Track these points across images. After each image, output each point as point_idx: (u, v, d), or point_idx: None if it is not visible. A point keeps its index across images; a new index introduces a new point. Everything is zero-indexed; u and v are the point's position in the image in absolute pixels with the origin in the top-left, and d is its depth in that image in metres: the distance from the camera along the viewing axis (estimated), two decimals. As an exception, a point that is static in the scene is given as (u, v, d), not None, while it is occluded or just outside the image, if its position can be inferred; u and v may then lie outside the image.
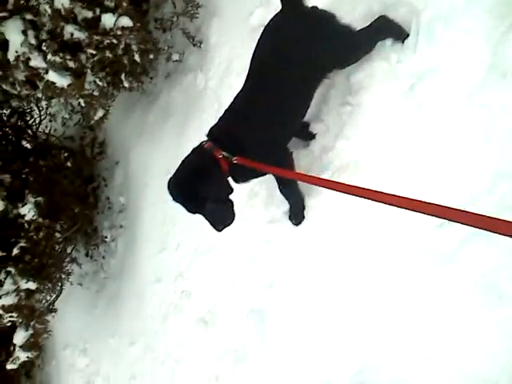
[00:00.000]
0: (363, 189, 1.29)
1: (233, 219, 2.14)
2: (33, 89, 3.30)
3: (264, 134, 2.23)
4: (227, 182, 2.18)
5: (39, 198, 3.78)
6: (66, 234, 4.25)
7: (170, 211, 3.93)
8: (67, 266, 4.53)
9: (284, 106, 2.22)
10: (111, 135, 4.80)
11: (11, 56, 2.93)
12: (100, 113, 3.89)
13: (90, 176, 4.97)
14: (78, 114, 4.95)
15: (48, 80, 3.12)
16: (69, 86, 3.11)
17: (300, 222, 2.80)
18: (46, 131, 4.58)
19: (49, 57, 2.96)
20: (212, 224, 2.10)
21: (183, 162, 2.18)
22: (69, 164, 4.32)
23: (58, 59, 2.98)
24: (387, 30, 2.42)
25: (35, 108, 4.40)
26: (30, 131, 4.41)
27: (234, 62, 3.42)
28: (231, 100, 2.30)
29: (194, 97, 3.80)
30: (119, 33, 3.08)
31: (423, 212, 1.10)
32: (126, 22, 3.06)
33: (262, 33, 2.26)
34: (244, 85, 2.27)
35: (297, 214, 2.80)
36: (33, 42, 2.95)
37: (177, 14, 3.58)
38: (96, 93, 3.41)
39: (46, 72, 3.05)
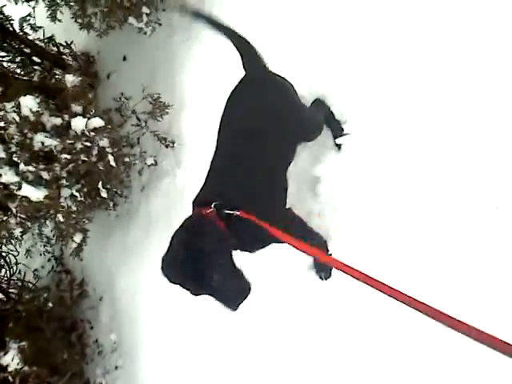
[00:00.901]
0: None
1: (249, 288, 1.69)
2: (5, 214, 3.04)
3: (257, 187, 1.99)
4: (227, 237, 1.77)
5: (23, 343, 3.30)
6: (55, 388, 3.65)
7: (172, 327, 3.51)
8: (60, 433, 3.83)
9: (264, 159, 2.04)
10: (90, 270, 4.44)
11: (-20, 175, 2.73)
12: (78, 238, 3.61)
13: (73, 323, 4.47)
14: (52, 261, 4.67)
15: (22, 197, 2.89)
16: (45, 197, 2.87)
17: (330, 275, 2.49)
18: (19, 283, 4.18)
19: (21, 167, 2.77)
20: (225, 303, 1.65)
21: (172, 238, 1.82)
22: (50, 305, 3.87)
23: (31, 169, 2.78)
24: (324, 112, 2.53)
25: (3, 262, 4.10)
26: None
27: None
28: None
29: (176, 198, 3.62)
30: (92, 134, 2.96)
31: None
32: (97, 121, 2.98)
33: (231, 94, 2.22)
34: (216, 151, 2.12)
35: (324, 265, 2.48)
36: (2, 155, 2.77)
37: (144, 121, 3.53)
38: (74, 207, 3.18)
39: (19, 187, 2.83)
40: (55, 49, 4.01)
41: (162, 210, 3.76)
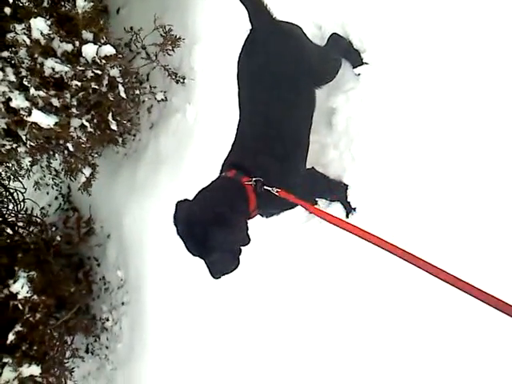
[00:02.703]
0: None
1: (237, 267, 1.79)
2: (14, 141, 3.02)
3: (284, 150, 2.04)
4: (247, 228, 1.87)
5: (32, 273, 3.34)
6: (63, 319, 3.72)
7: (178, 264, 3.53)
8: (68, 361, 3.93)
9: (289, 120, 2.09)
10: (98, 208, 4.46)
11: (-10, 96, 2.69)
12: (87, 171, 3.61)
13: (80, 260, 4.53)
14: (59, 199, 4.69)
15: (32, 124, 2.86)
16: (55, 125, 2.84)
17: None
18: (27, 217, 4.21)
19: (31, 91, 2.72)
20: (212, 270, 1.74)
21: (201, 192, 1.89)
22: (58, 238, 3.90)
23: (41, 93, 2.74)
24: (342, 47, 2.51)
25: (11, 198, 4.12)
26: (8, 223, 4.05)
27: (227, 84, 3.27)
28: (234, 131, 2.16)
29: (186, 135, 3.59)
30: (103, 62, 2.90)
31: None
32: (108, 49, 2.91)
33: (241, 54, 2.21)
34: (240, 113, 2.16)
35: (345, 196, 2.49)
36: (12, 79, 2.73)
37: (155, 54, 3.45)
38: (83, 138, 3.15)
39: (29, 113, 2.80)
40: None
41: (172, 147, 3.73)
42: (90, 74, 2.92)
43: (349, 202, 2.45)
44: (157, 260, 3.82)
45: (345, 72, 2.55)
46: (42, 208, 4.70)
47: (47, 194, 4.81)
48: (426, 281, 2.06)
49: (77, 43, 2.88)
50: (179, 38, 3.31)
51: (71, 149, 3.06)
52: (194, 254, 1.76)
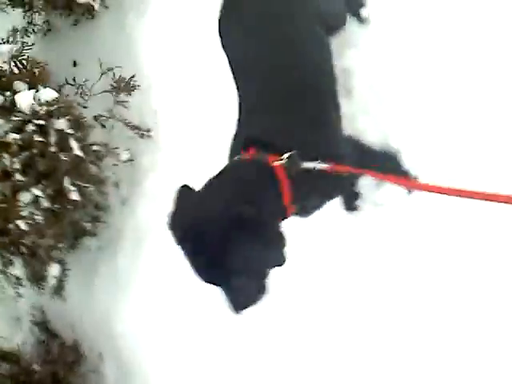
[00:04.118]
0: None
1: (262, 297, 1.28)
2: None
3: (314, 105, 1.58)
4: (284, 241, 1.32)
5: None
6: None
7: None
8: None
9: (308, 65, 1.64)
10: (80, 323, 3.63)
11: None
12: (55, 270, 2.89)
13: (74, 399, 3.59)
14: (35, 332, 3.87)
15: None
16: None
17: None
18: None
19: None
20: (232, 304, 1.24)
21: (212, 183, 1.39)
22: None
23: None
24: None
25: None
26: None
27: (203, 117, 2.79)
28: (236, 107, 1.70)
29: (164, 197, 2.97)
30: (45, 108, 2.34)
31: None
32: (49, 93, 2.37)
33: (225, 12, 1.85)
34: (242, 81, 1.72)
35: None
36: None
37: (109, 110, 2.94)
38: (40, 219, 2.48)
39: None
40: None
41: (153, 216, 3.09)
42: (30, 127, 2.33)
43: (405, 172, 1.91)
44: (166, 370, 3.04)
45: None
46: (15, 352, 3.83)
47: (20, 329, 3.98)
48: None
49: (7, 93, 2.33)
50: (132, 77, 2.83)
51: (23, 227, 2.36)
52: (203, 279, 1.25)
